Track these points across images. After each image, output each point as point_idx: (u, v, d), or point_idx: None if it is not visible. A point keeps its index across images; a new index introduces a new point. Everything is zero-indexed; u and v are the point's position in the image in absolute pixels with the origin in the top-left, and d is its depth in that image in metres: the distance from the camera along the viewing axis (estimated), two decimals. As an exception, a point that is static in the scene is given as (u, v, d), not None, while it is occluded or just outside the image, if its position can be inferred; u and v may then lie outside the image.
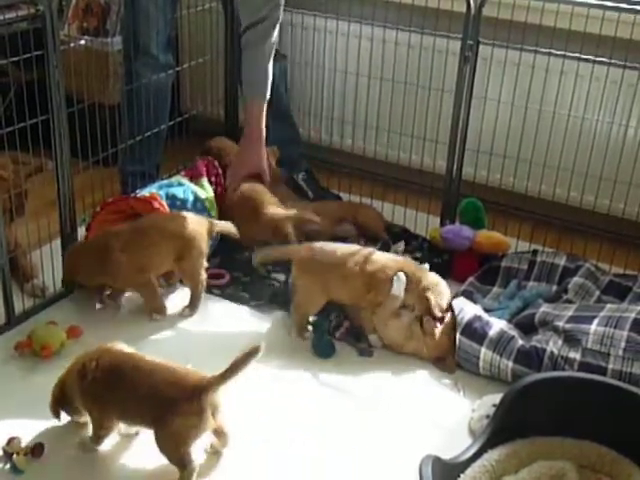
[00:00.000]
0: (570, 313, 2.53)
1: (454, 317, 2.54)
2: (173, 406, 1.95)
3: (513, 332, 2.51)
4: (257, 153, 3.11)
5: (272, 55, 3.07)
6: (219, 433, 2.08)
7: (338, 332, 2.64)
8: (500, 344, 2.46)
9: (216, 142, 3.35)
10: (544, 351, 2.41)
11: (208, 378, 1.99)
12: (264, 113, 3.08)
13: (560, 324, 2.47)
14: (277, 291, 2.84)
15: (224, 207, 3.05)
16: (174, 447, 1.98)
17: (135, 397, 2.00)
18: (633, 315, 2.44)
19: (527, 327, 2.57)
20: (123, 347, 2.15)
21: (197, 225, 2.70)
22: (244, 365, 1.98)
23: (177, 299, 2.80)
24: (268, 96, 3.08)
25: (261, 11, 2.97)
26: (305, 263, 2.61)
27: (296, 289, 2.64)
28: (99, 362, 2.07)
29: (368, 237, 3.11)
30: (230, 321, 2.73)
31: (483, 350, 2.47)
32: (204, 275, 2.72)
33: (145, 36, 3.14)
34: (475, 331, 2.50)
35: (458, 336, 2.51)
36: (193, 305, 2.73)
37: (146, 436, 2.11)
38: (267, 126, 3.12)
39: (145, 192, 2.90)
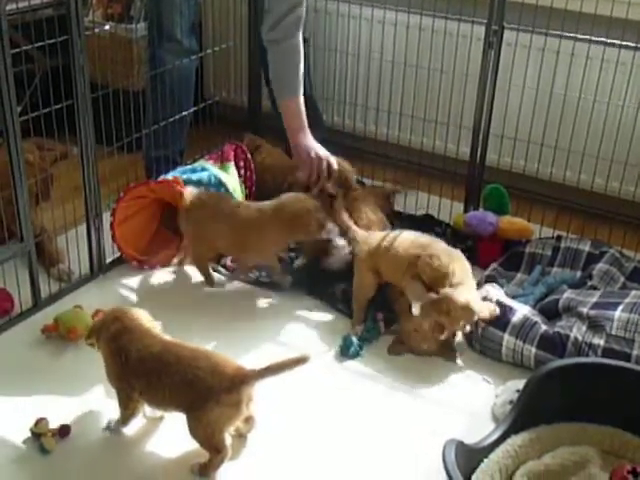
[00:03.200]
0: (594, 299, 2.52)
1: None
2: (212, 395, 1.96)
3: (536, 318, 2.50)
4: (311, 141, 2.96)
5: (302, 52, 2.97)
6: (247, 419, 2.10)
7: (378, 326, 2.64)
8: (523, 330, 2.45)
9: (253, 139, 3.34)
10: (567, 337, 2.40)
11: (247, 371, 2.00)
12: (302, 106, 2.97)
13: (584, 310, 2.46)
14: (300, 276, 2.86)
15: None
16: (210, 434, 1.99)
17: (172, 383, 2.00)
18: (658, 302, 2.44)
19: (551, 313, 2.56)
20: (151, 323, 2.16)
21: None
22: (287, 369, 2.00)
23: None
24: (302, 90, 2.97)
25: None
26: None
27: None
28: (133, 341, 2.07)
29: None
30: (249, 304, 2.76)
31: (506, 337, 2.46)
32: None
33: (169, 22, 3.15)
34: (498, 317, 2.49)
35: (482, 324, 2.51)
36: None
37: (171, 419, 2.14)
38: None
39: (168, 177, 2.92)
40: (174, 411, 2.06)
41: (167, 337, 2.13)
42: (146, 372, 2.04)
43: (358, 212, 2.86)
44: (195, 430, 2.01)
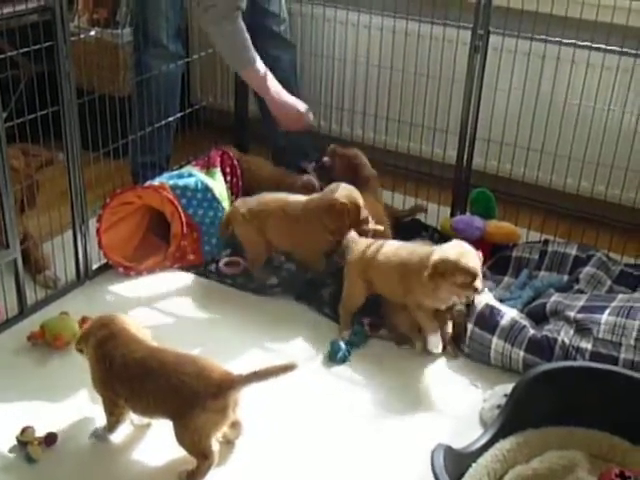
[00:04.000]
0: (581, 303, 2.52)
1: None
2: (198, 401, 1.95)
3: (525, 322, 2.50)
4: (284, 97, 3.11)
5: (244, 26, 2.93)
6: (234, 424, 2.09)
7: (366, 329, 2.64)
8: (512, 333, 2.46)
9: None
10: (555, 341, 2.41)
11: (234, 377, 2.00)
12: (263, 75, 3.02)
13: (571, 314, 2.47)
14: (289, 281, 2.85)
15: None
16: (196, 441, 1.98)
17: (156, 389, 2.00)
18: (645, 305, 2.45)
19: (538, 317, 2.57)
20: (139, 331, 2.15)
21: None
22: (273, 375, 2.00)
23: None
24: (257, 58, 2.98)
25: None
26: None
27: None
28: (118, 347, 2.06)
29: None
30: (237, 309, 2.74)
31: (495, 340, 2.47)
32: None
33: (155, 27, 3.14)
34: (487, 321, 2.50)
35: (470, 326, 2.51)
36: None
37: (159, 427, 2.13)
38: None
39: (155, 183, 2.91)
40: (160, 418, 2.05)
41: (154, 344, 2.12)
42: (129, 378, 2.03)
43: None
44: (182, 437, 1.99)
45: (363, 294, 2.62)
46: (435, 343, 2.50)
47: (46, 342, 2.47)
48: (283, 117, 3.14)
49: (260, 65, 3.00)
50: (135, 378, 2.02)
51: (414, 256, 2.49)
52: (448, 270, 2.35)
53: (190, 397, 1.95)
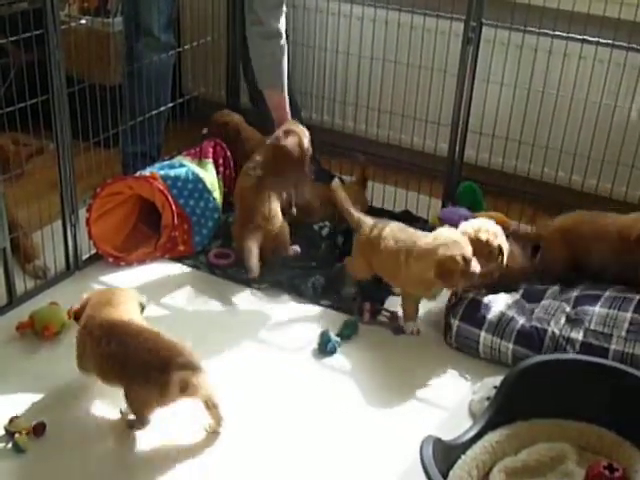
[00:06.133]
0: (575, 294, 2.54)
1: None
2: (143, 371, 2.04)
3: (512, 312, 2.50)
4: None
5: (285, 50, 3.08)
6: (211, 412, 2.13)
7: (363, 317, 2.65)
8: (499, 326, 2.46)
9: (223, 116, 3.35)
10: (545, 332, 2.41)
11: (184, 360, 2.05)
12: (285, 99, 3.13)
13: (565, 305, 2.49)
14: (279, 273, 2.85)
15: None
16: (137, 409, 2.11)
17: (116, 353, 2.09)
18: (638, 297, 2.46)
19: (534, 298, 2.59)
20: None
21: None
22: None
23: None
24: (286, 84, 3.11)
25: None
26: None
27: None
28: (95, 316, 2.19)
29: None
30: (227, 300, 2.74)
31: (482, 334, 2.47)
32: None
33: (146, 16, 3.13)
34: (473, 315, 2.50)
35: (457, 322, 2.51)
36: None
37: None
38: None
39: (146, 173, 2.90)
40: (117, 384, 2.12)
41: (136, 315, 2.24)
42: (93, 339, 2.14)
43: None
44: (128, 401, 2.10)
45: (366, 272, 2.68)
46: (409, 328, 2.60)
47: (35, 332, 2.46)
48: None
49: (285, 92, 3.11)
50: (101, 339, 2.12)
51: (406, 243, 2.52)
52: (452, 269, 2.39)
53: (138, 367, 2.05)
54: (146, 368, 2.03)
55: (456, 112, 3.13)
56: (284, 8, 3.04)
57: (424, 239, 2.50)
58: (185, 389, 2.04)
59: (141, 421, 2.11)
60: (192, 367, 2.04)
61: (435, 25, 3.26)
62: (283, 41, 3.06)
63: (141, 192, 2.86)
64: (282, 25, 3.04)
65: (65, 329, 2.48)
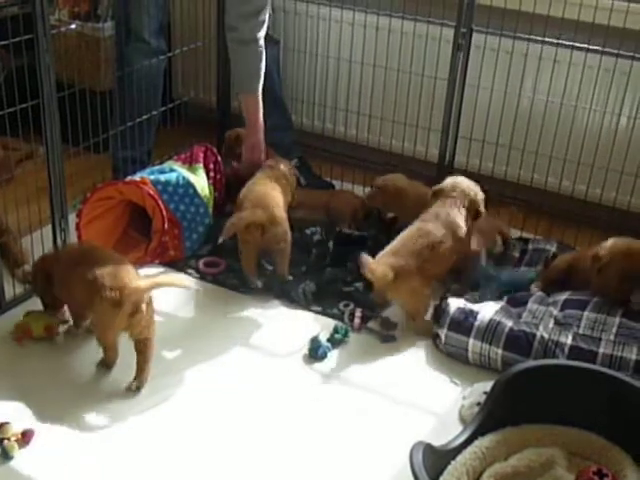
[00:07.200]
0: (564, 297, 2.55)
1: None
2: (98, 290, 2.19)
3: (499, 316, 2.50)
4: (260, 140, 3.17)
5: (262, 57, 3.06)
6: (141, 357, 2.29)
7: (354, 323, 2.64)
8: (488, 332, 2.45)
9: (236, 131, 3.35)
10: (534, 336, 2.41)
11: (138, 284, 2.23)
12: (260, 105, 3.11)
13: (553, 309, 2.49)
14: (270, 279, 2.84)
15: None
16: (99, 335, 2.31)
17: (78, 277, 2.26)
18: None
19: (518, 301, 2.61)
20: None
21: None
22: (169, 286, 2.33)
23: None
24: (260, 90, 3.09)
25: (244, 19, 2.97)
26: None
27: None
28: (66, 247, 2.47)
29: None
30: (218, 306, 2.73)
31: (471, 341, 2.46)
32: None
33: (137, 21, 3.13)
34: (461, 324, 2.49)
35: (445, 331, 2.51)
36: None
37: (135, 423, 2.13)
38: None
39: (136, 177, 2.89)
40: (83, 314, 2.33)
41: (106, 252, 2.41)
42: (65, 266, 2.34)
43: None
44: (94, 331, 2.32)
45: None
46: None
47: (35, 339, 2.45)
48: (250, 148, 3.17)
49: (260, 97, 3.10)
50: (67, 266, 2.31)
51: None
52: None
53: (94, 287, 2.20)
54: (99, 287, 2.19)
55: (446, 118, 3.14)
56: (263, 17, 2.98)
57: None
58: (135, 313, 2.21)
59: (106, 348, 2.31)
60: (140, 289, 2.22)
61: (426, 31, 3.27)
62: (260, 47, 3.02)
63: (131, 197, 2.85)
64: (260, 32, 3.00)
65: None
